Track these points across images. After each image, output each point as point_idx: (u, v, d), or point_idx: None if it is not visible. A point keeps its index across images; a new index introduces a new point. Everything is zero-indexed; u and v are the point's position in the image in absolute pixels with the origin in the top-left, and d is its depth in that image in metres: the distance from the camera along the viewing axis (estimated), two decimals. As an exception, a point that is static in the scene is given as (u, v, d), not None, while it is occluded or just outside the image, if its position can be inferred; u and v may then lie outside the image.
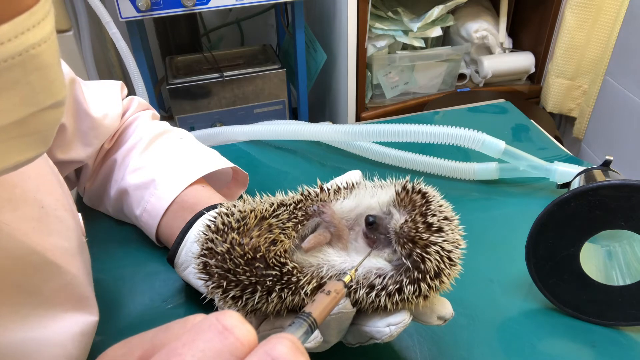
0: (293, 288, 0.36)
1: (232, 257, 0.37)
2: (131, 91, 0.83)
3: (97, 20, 1.26)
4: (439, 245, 0.37)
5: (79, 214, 0.45)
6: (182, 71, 1.56)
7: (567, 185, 0.65)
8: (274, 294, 0.36)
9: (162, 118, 0.67)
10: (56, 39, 0.25)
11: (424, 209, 0.38)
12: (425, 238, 0.36)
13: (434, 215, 0.37)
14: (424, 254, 0.36)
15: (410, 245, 0.36)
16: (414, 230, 0.37)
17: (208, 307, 0.48)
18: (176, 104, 1.52)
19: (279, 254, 0.37)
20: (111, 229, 0.63)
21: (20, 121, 0.24)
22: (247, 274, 0.36)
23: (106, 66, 1.73)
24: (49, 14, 0.24)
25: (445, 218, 0.38)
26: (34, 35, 0.23)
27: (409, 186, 0.39)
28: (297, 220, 0.39)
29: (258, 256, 0.37)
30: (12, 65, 0.22)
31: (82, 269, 0.41)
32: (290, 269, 0.37)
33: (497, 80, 1.83)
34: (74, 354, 0.38)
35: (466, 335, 0.49)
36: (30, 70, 0.23)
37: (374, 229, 0.39)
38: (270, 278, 0.36)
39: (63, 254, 0.38)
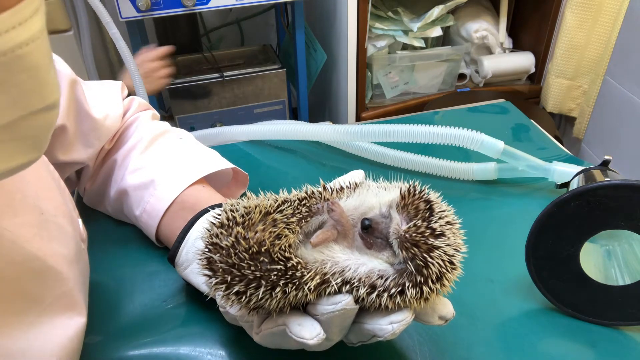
0: (297, 283, 0.36)
1: (237, 251, 0.37)
2: (131, 91, 0.83)
3: (97, 20, 1.26)
4: (442, 250, 0.37)
5: (79, 220, 0.45)
6: (182, 71, 1.56)
7: (566, 185, 0.65)
8: (278, 289, 0.36)
9: (162, 118, 0.67)
10: (47, 39, 0.24)
11: (427, 214, 0.38)
12: (429, 243, 0.36)
13: (436, 221, 0.37)
14: (427, 257, 0.36)
15: (415, 249, 0.37)
16: (419, 235, 0.37)
17: (209, 306, 0.48)
18: (176, 104, 1.52)
19: (284, 248, 0.37)
20: (111, 229, 0.63)
21: (9, 124, 0.23)
22: (252, 268, 0.37)
23: (106, 66, 1.73)
24: (38, 12, 0.23)
25: (447, 222, 0.38)
26: (19, 34, 0.22)
27: (415, 190, 0.39)
28: (301, 216, 0.40)
29: (263, 250, 0.37)
30: None
31: (79, 277, 0.41)
32: (295, 264, 0.37)
33: (497, 80, 1.84)
34: (70, 357, 0.38)
35: (466, 335, 0.49)
36: (18, 71, 0.22)
37: (369, 233, 0.39)
38: (275, 272, 0.36)
39: (63, 261, 0.38)
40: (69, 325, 0.39)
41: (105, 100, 0.60)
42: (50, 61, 0.25)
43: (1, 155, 0.24)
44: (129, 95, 0.65)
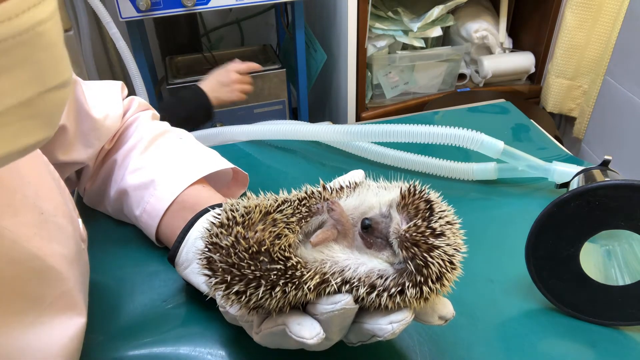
0: (297, 283, 0.36)
1: (237, 250, 0.37)
2: (131, 91, 0.83)
3: (97, 20, 1.26)
4: (442, 250, 0.37)
5: (79, 220, 0.45)
6: (182, 71, 1.56)
7: (566, 185, 0.65)
8: (277, 289, 0.36)
9: (163, 118, 0.67)
10: (59, 18, 0.25)
11: (427, 214, 0.38)
12: (429, 242, 0.36)
13: (436, 221, 0.37)
14: (427, 257, 0.36)
15: (415, 249, 0.37)
16: (419, 235, 0.37)
17: (209, 306, 0.48)
18: (176, 104, 1.52)
19: (284, 248, 0.37)
20: (111, 229, 0.63)
21: (27, 101, 0.24)
22: (252, 267, 0.37)
23: (106, 66, 1.73)
24: None
25: (448, 222, 0.38)
26: (39, 12, 0.23)
27: (415, 190, 0.39)
28: (301, 216, 0.40)
29: (263, 250, 0.37)
30: (19, 43, 0.22)
31: (79, 277, 0.41)
32: (295, 264, 0.37)
33: (497, 80, 1.84)
34: (69, 358, 0.38)
35: (466, 335, 0.49)
36: (38, 48, 0.23)
37: (369, 233, 0.39)
38: (275, 272, 0.36)
39: (63, 261, 0.38)
40: (69, 325, 0.39)
41: (105, 100, 0.60)
42: (62, 40, 0.26)
43: (20, 133, 0.25)
44: (128, 95, 0.65)
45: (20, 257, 0.34)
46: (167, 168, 0.56)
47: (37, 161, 0.41)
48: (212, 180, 0.60)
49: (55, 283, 0.37)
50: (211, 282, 0.39)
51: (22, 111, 0.24)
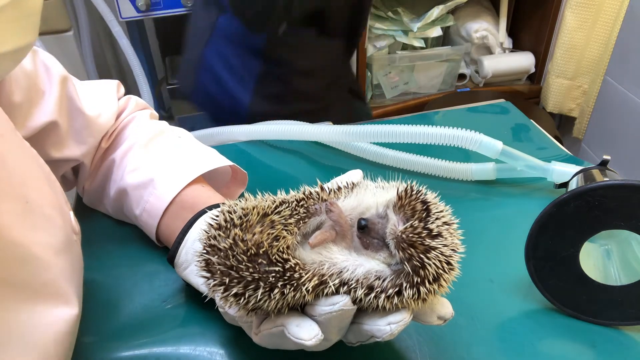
0: (295, 284, 0.36)
1: (235, 253, 0.37)
2: (134, 91, 0.82)
3: (97, 20, 1.26)
4: (439, 251, 0.37)
5: (71, 212, 0.45)
6: (182, 71, 1.55)
7: (565, 185, 0.65)
8: (276, 290, 0.36)
9: (162, 118, 0.67)
10: None
11: (424, 215, 0.38)
12: (426, 243, 0.36)
13: (433, 222, 0.37)
14: (424, 258, 0.36)
15: (411, 250, 0.36)
16: (416, 236, 0.37)
17: (209, 306, 0.48)
18: (176, 104, 1.52)
19: (282, 250, 0.37)
20: (110, 229, 0.63)
21: (17, 1, 0.26)
22: (250, 270, 0.37)
23: (106, 66, 1.73)
24: None
25: (445, 223, 0.38)
26: None
27: (411, 191, 0.39)
28: (299, 217, 0.40)
29: (261, 252, 0.37)
30: None
31: (68, 267, 0.41)
32: (293, 265, 0.37)
33: (497, 80, 1.84)
34: (57, 349, 0.38)
35: (466, 335, 0.49)
36: None
37: (365, 233, 0.39)
38: (273, 274, 0.36)
39: (48, 250, 0.38)
40: (54, 314, 0.38)
41: (99, 98, 0.60)
42: None
43: (8, 33, 0.27)
44: (130, 94, 0.65)
45: (1, 244, 0.34)
46: (166, 166, 0.56)
47: (24, 153, 0.41)
48: (211, 179, 0.60)
49: (39, 271, 0.37)
50: (210, 284, 0.39)
51: (11, 11, 0.26)
